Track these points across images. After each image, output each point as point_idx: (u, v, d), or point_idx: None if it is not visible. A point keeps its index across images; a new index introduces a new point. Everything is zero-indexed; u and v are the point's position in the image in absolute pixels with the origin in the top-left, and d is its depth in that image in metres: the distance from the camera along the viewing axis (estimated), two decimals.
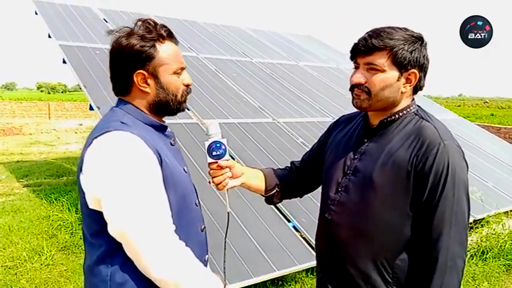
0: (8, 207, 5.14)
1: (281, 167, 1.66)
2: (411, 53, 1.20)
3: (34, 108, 19.34)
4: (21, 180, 6.70)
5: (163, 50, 1.20)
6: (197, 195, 1.32)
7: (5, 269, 3.48)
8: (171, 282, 1.07)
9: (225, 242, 1.42)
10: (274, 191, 1.55)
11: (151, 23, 1.20)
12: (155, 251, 1.06)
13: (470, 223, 4.21)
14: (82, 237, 1.26)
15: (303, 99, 5.69)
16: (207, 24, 7.66)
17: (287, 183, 1.59)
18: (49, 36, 4.99)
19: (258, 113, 4.97)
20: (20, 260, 3.63)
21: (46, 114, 19.17)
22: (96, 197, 1.09)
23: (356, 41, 1.25)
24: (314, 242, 3.11)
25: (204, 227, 1.33)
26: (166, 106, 1.24)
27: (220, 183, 1.37)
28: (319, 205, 1.45)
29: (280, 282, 3.22)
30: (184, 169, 1.28)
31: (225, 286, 1.22)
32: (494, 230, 4.15)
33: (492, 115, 27.28)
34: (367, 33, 1.24)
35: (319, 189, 1.57)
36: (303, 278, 3.31)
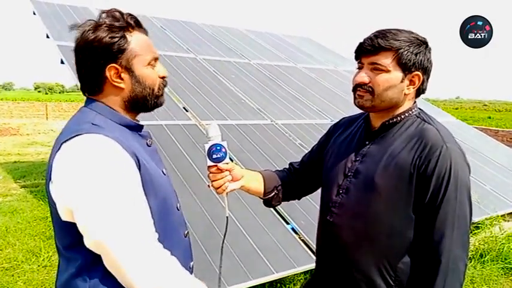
0: (5, 208, 5.11)
1: (279, 169, 1.64)
2: (416, 55, 1.20)
3: (31, 109, 19.30)
4: (18, 181, 6.67)
5: (135, 40, 1.10)
6: (177, 199, 1.24)
7: (1, 270, 3.46)
8: None
9: (222, 247, 1.38)
10: (273, 193, 1.53)
11: (117, 13, 1.10)
12: (138, 262, 0.96)
13: None
14: (56, 250, 1.16)
15: (301, 101, 5.69)
16: (206, 26, 7.66)
17: (286, 185, 1.57)
18: (47, 37, 4.98)
19: (256, 114, 4.96)
20: (17, 261, 3.61)
21: (43, 115, 19.13)
22: (68, 208, 0.98)
23: (362, 41, 1.25)
24: (313, 244, 3.12)
25: (188, 232, 1.25)
26: (144, 101, 1.14)
27: (220, 186, 1.34)
28: (318, 207, 1.44)
29: (278, 285, 3.20)
30: (163, 171, 1.19)
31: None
32: (492, 233, 4.15)
33: (489, 118, 27.37)
34: (373, 33, 1.24)
35: (318, 191, 1.56)
36: (301, 281, 3.30)
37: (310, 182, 1.58)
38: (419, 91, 1.27)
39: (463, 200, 1.17)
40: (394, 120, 1.27)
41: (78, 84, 1.16)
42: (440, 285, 1.13)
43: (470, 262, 3.75)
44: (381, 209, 1.22)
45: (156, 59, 1.16)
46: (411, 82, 1.23)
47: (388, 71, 1.20)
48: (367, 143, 1.31)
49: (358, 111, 1.39)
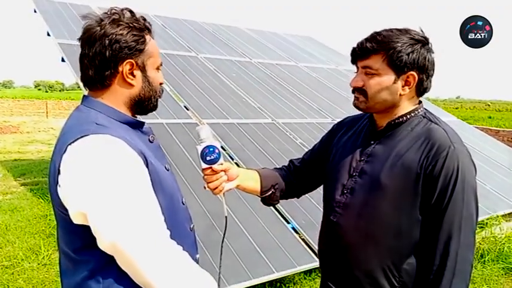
0: (5, 206, 5.11)
1: (278, 167, 1.63)
2: (408, 55, 1.19)
3: (32, 107, 19.31)
4: (18, 178, 6.67)
5: (151, 43, 1.14)
6: (181, 194, 1.25)
7: (1, 268, 3.46)
8: None
9: (222, 247, 1.38)
10: (270, 192, 1.51)
11: (135, 14, 1.13)
12: (155, 261, 0.97)
13: None
14: (59, 252, 1.14)
15: (302, 100, 5.69)
16: (207, 24, 7.65)
17: (284, 184, 1.56)
18: (48, 34, 4.97)
19: (257, 113, 4.96)
20: (17, 259, 3.61)
21: (44, 113, 19.13)
22: (82, 212, 0.96)
23: (355, 45, 1.26)
24: (314, 243, 3.11)
25: (193, 226, 1.27)
26: (148, 103, 1.17)
27: (217, 187, 1.34)
28: (318, 206, 1.43)
29: (278, 284, 3.20)
30: (166, 167, 1.19)
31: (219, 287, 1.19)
32: (492, 233, 4.15)
33: (490, 118, 27.36)
34: (366, 36, 1.25)
35: (319, 190, 1.56)
36: (301, 280, 3.30)
37: (311, 180, 1.57)
38: (420, 90, 1.26)
39: (470, 201, 1.16)
40: (400, 120, 1.26)
41: (78, 79, 1.15)
42: (446, 286, 1.13)
43: None
44: (387, 210, 1.21)
45: (161, 65, 1.20)
46: (406, 82, 1.22)
47: (379, 74, 1.21)
48: (372, 142, 1.30)
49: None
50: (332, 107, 5.73)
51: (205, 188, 1.35)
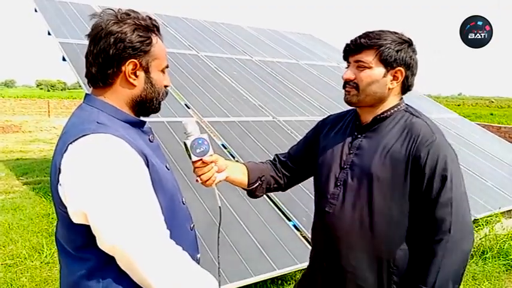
0: (7, 205, 5.13)
1: (263, 161, 1.67)
2: (397, 52, 1.30)
3: (33, 106, 19.33)
4: (20, 178, 6.70)
5: (158, 45, 1.13)
6: (181, 193, 1.25)
7: (5, 267, 3.48)
8: None
9: (218, 237, 1.41)
10: (257, 184, 1.56)
11: (142, 15, 1.13)
12: (155, 262, 0.97)
13: None
14: (58, 250, 1.14)
15: (303, 98, 5.69)
16: (208, 23, 7.64)
17: (270, 177, 1.60)
18: (49, 34, 4.97)
19: (258, 111, 4.96)
20: (20, 258, 3.63)
21: (46, 112, 19.16)
22: (82, 211, 0.96)
23: (348, 42, 1.36)
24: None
25: (193, 225, 1.27)
26: (150, 104, 1.16)
27: (209, 179, 1.37)
28: None
29: (280, 281, 3.22)
30: (166, 166, 1.19)
31: (219, 282, 1.19)
32: (494, 230, 4.15)
33: (492, 114, 27.28)
34: (359, 35, 1.35)
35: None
36: None
37: (297, 174, 1.63)
38: (405, 87, 1.37)
39: (458, 183, 1.25)
40: (385, 115, 1.36)
41: (80, 79, 1.15)
42: (437, 263, 1.20)
43: (472, 259, 3.76)
44: (379, 199, 1.29)
45: (167, 67, 1.20)
46: (394, 77, 1.33)
47: (370, 67, 1.31)
48: (359, 136, 1.39)
49: None
50: (333, 104, 5.73)
51: (197, 181, 1.38)
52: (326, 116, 1.63)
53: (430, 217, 1.24)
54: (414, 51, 1.35)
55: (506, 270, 3.64)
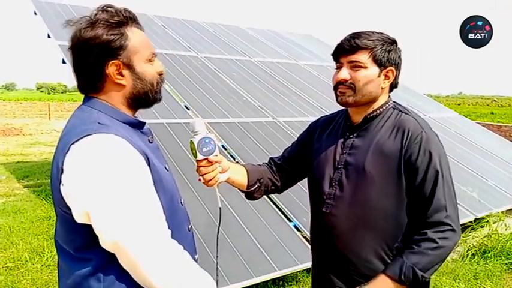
0: (8, 208, 5.13)
1: (260, 163, 1.69)
2: (389, 52, 1.34)
3: (34, 109, 19.35)
4: (21, 181, 6.70)
5: (134, 37, 1.09)
6: (180, 194, 1.25)
7: (5, 269, 3.48)
8: None
9: (217, 238, 1.41)
10: (256, 186, 1.57)
11: (112, 8, 1.09)
12: (156, 261, 0.98)
13: (471, 222, 4.20)
14: (57, 251, 1.14)
15: (302, 98, 5.69)
16: (207, 24, 7.65)
17: (268, 179, 1.61)
18: (48, 36, 4.98)
19: (258, 112, 4.96)
20: (21, 260, 3.63)
21: (46, 115, 19.18)
22: (85, 211, 0.97)
23: (339, 43, 1.38)
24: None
25: (191, 226, 1.27)
26: (145, 97, 1.14)
27: (212, 178, 1.36)
28: None
29: (280, 282, 3.21)
30: (166, 167, 1.19)
31: (217, 282, 1.18)
32: (495, 229, 4.14)
33: (492, 113, 27.27)
34: (349, 35, 1.36)
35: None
36: (304, 278, 3.30)
37: (292, 176, 1.65)
38: (393, 85, 1.41)
39: (447, 174, 1.30)
40: (374, 113, 1.39)
41: (75, 83, 1.15)
42: (437, 254, 1.25)
43: (474, 258, 3.75)
44: (375, 196, 1.32)
45: (154, 55, 1.15)
46: (386, 77, 1.37)
47: (365, 67, 1.33)
48: (351, 136, 1.41)
49: None
50: (332, 104, 5.71)
51: (200, 180, 1.37)
52: (317, 118, 1.65)
53: (422, 211, 1.28)
54: (400, 50, 1.40)
55: (508, 270, 3.62)
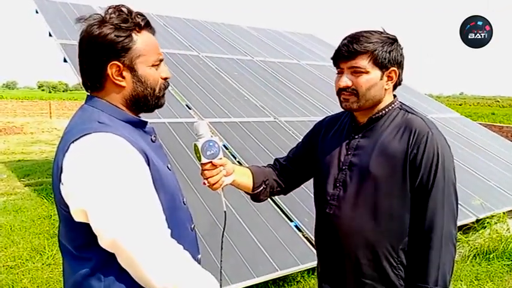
0: (9, 206, 5.13)
1: (264, 165, 1.67)
2: (389, 53, 1.31)
3: (35, 107, 19.37)
4: (22, 179, 6.70)
5: (141, 41, 1.09)
6: (182, 193, 1.24)
7: (6, 268, 3.48)
8: None
9: (222, 242, 1.40)
10: (262, 188, 1.56)
11: (125, 10, 1.09)
12: (155, 260, 0.97)
13: (473, 223, 4.19)
14: (61, 251, 1.14)
15: (304, 98, 5.68)
16: (208, 23, 7.64)
17: (273, 180, 1.60)
18: (50, 35, 4.98)
19: (259, 111, 4.95)
20: (22, 259, 3.63)
21: (47, 113, 19.20)
22: (82, 209, 0.97)
23: (337, 48, 1.35)
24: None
25: (194, 226, 1.27)
26: (145, 101, 1.13)
27: (217, 182, 1.35)
28: None
29: (281, 283, 3.20)
30: (168, 167, 1.19)
31: (221, 286, 1.19)
32: (497, 230, 4.12)
33: (493, 114, 27.24)
34: (346, 39, 1.33)
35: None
36: (305, 278, 3.30)
37: (297, 177, 1.63)
38: (397, 84, 1.39)
39: (450, 178, 1.29)
40: (380, 114, 1.37)
41: (80, 80, 1.15)
42: (435, 257, 1.24)
43: (475, 259, 3.74)
44: (379, 197, 1.30)
45: (161, 60, 1.16)
46: (389, 78, 1.35)
47: (367, 72, 1.30)
48: (356, 137, 1.40)
49: None
50: (334, 104, 5.72)
51: (204, 183, 1.36)
52: (322, 118, 1.64)
53: (423, 212, 1.27)
54: (401, 47, 1.36)
55: (510, 271, 3.61)
